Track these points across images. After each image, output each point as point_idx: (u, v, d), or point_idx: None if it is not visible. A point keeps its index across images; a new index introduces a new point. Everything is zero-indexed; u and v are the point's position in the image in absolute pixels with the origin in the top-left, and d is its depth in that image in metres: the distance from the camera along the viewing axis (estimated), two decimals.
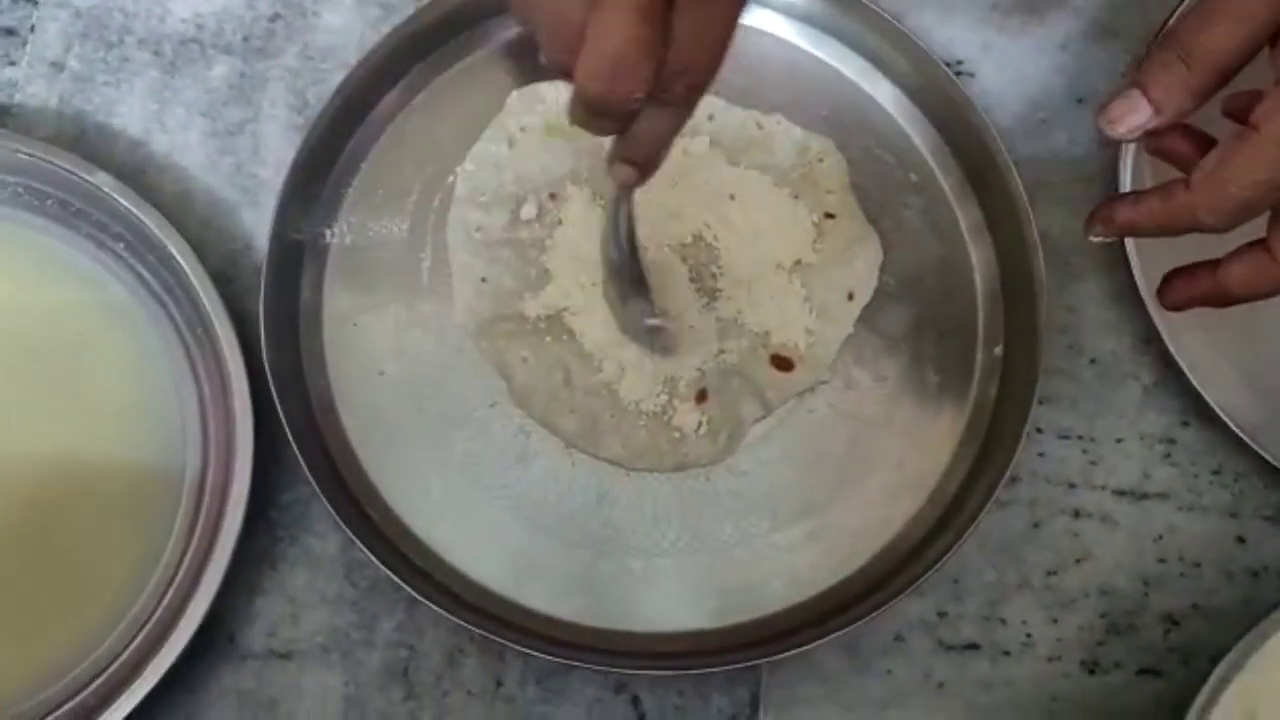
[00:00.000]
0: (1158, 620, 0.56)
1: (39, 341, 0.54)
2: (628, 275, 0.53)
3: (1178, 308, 0.50)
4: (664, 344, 0.55)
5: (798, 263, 0.57)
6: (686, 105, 0.40)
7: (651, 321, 0.54)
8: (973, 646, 0.55)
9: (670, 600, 0.54)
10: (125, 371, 0.54)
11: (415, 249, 0.57)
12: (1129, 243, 0.56)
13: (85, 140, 0.57)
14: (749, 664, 0.53)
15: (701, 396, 0.55)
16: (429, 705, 0.53)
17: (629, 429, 0.55)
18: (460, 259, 0.56)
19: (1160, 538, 0.57)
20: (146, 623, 0.51)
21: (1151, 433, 0.58)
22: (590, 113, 0.39)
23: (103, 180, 0.53)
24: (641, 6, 0.36)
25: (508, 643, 0.50)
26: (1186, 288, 0.49)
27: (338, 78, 0.56)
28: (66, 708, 0.50)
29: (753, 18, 0.60)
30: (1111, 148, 0.59)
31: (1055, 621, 0.56)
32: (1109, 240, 0.49)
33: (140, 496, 0.52)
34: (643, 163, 0.42)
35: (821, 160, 0.58)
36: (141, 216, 0.53)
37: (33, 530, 0.51)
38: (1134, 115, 0.46)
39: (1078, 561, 0.56)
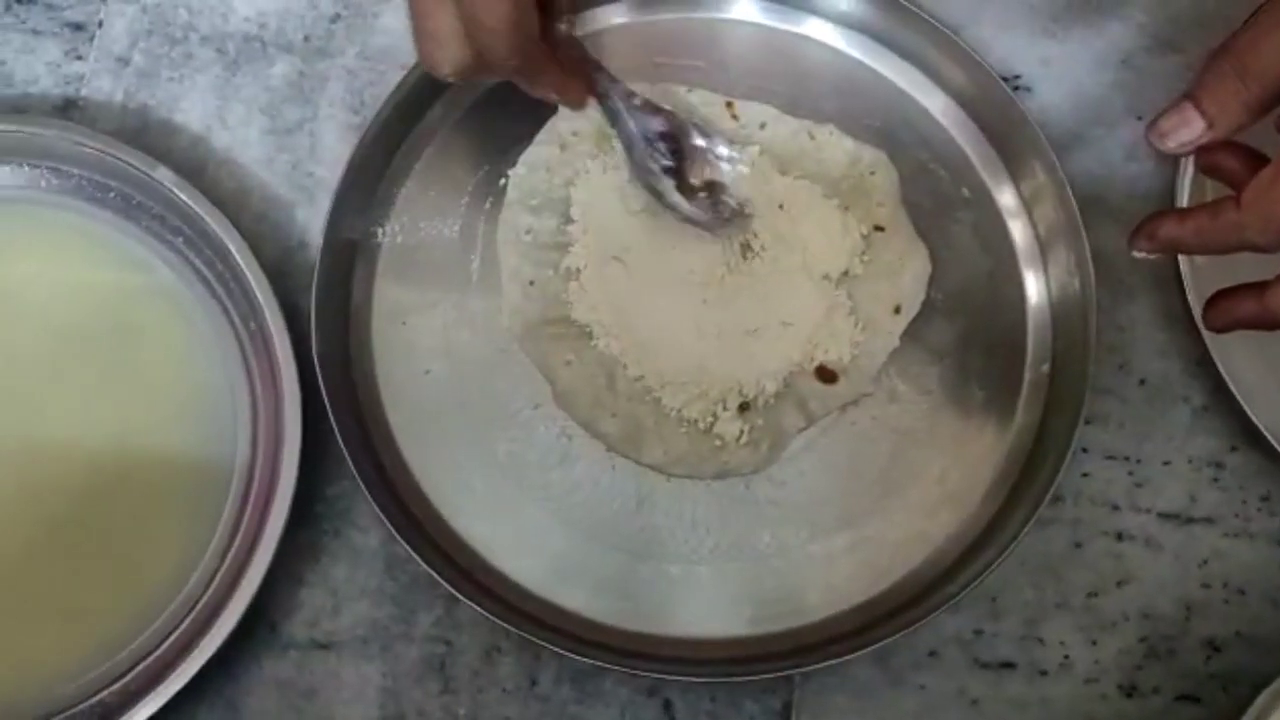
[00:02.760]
0: (1199, 646, 0.55)
1: (96, 329, 0.55)
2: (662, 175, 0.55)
3: (1221, 329, 0.49)
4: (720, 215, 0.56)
5: (845, 274, 0.57)
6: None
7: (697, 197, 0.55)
8: (1009, 665, 0.55)
9: (706, 606, 0.54)
10: (179, 361, 0.55)
11: (465, 250, 0.57)
12: (1182, 263, 0.56)
13: (148, 134, 0.58)
14: (783, 673, 0.53)
15: (744, 406, 0.55)
16: (464, 700, 0.53)
17: (670, 435, 0.55)
18: (509, 261, 0.57)
19: (1205, 563, 0.56)
20: (191, 610, 0.52)
21: (1200, 456, 0.57)
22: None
23: (163, 175, 0.54)
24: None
25: (544, 643, 0.51)
26: (1230, 310, 0.48)
27: (395, 79, 0.57)
28: (112, 689, 0.51)
29: (807, 27, 0.60)
30: (1169, 164, 0.59)
31: (1094, 643, 0.55)
32: (1152, 256, 0.49)
33: (189, 485, 0.53)
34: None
35: (873, 172, 0.58)
36: (200, 211, 0.54)
37: (83, 514, 0.53)
38: (1186, 129, 0.45)
39: (1119, 584, 0.56)
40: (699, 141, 0.56)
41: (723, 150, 0.56)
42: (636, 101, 0.55)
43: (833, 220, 0.57)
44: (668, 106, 0.56)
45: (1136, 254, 0.49)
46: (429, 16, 0.46)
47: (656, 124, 0.55)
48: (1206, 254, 0.47)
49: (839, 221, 0.57)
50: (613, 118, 0.55)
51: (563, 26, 0.50)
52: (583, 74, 0.54)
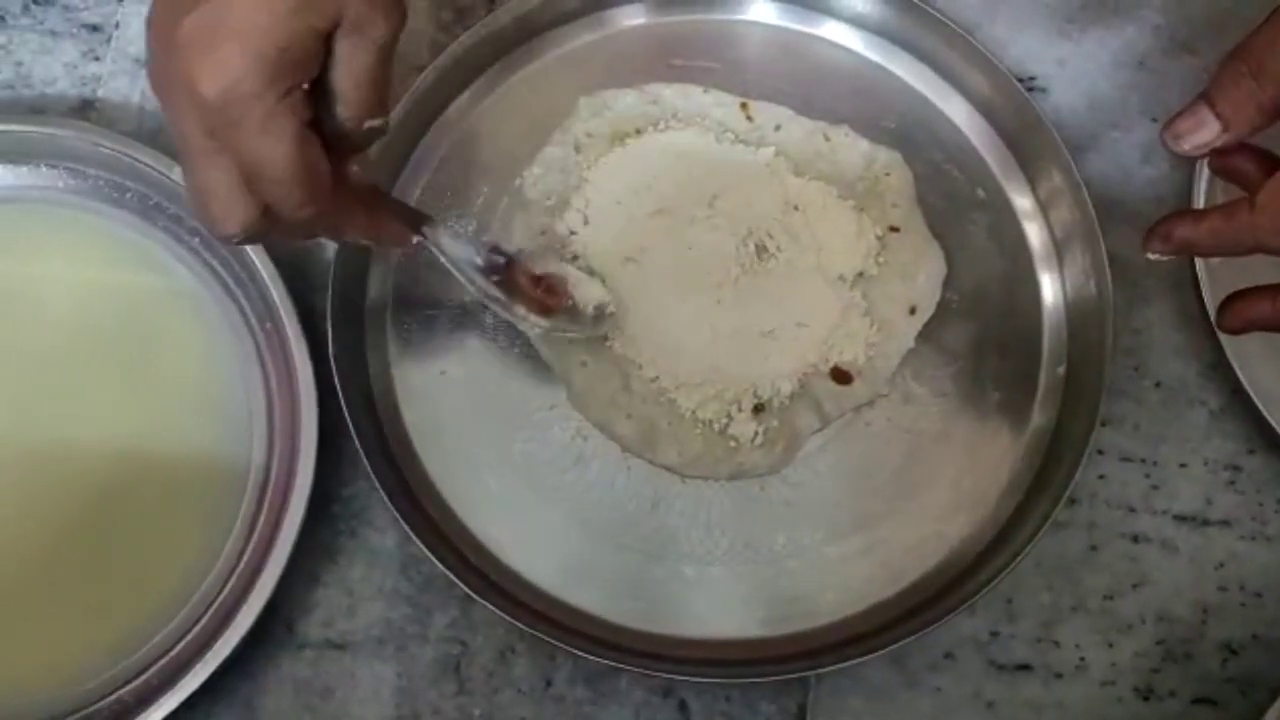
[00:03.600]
0: (1216, 649, 0.55)
1: (113, 329, 0.55)
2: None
3: (1235, 331, 0.49)
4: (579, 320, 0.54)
5: (860, 275, 0.57)
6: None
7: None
8: (1025, 667, 0.55)
9: (721, 607, 0.54)
10: (196, 361, 0.55)
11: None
12: (1199, 265, 0.56)
13: (165, 135, 0.58)
14: (798, 674, 0.53)
15: (759, 407, 0.55)
16: (479, 701, 0.53)
17: (685, 436, 0.55)
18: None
19: (1221, 565, 0.56)
20: (208, 609, 0.52)
21: (1216, 459, 0.57)
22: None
23: (180, 175, 0.54)
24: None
25: (559, 643, 0.51)
26: (1246, 311, 0.48)
27: (410, 80, 0.57)
28: (130, 687, 0.51)
29: (822, 28, 0.61)
30: (1185, 167, 0.59)
31: (1110, 646, 0.55)
32: (1167, 258, 0.49)
33: (206, 485, 0.54)
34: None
35: (888, 173, 0.58)
36: None
37: (101, 514, 0.53)
38: (1201, 131, 0.45)
39: (1135, 586, 0.56)
40: (535, 267, 0.54)
41: (558, 268, 0.54)
42: (462, 229, 0.54)
43: (848, 221, 0.57)
44: (496, 244, 0.53)
45: (1151, 256, 0.49)
46: (199, 173, 0.40)
47: (484, 254, 0.52)
48: (1221, 256, 0.47)
49: (854, 223, 0.57)
50: (439, 251, 0.50)
51: (354, 169, 0.44)
52: (398, 212, 0.49)
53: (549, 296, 0.54)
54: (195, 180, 0.40)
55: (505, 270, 0.52)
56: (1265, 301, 0.48)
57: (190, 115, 0.39)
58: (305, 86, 0.39)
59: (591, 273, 0.56)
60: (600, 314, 0.55)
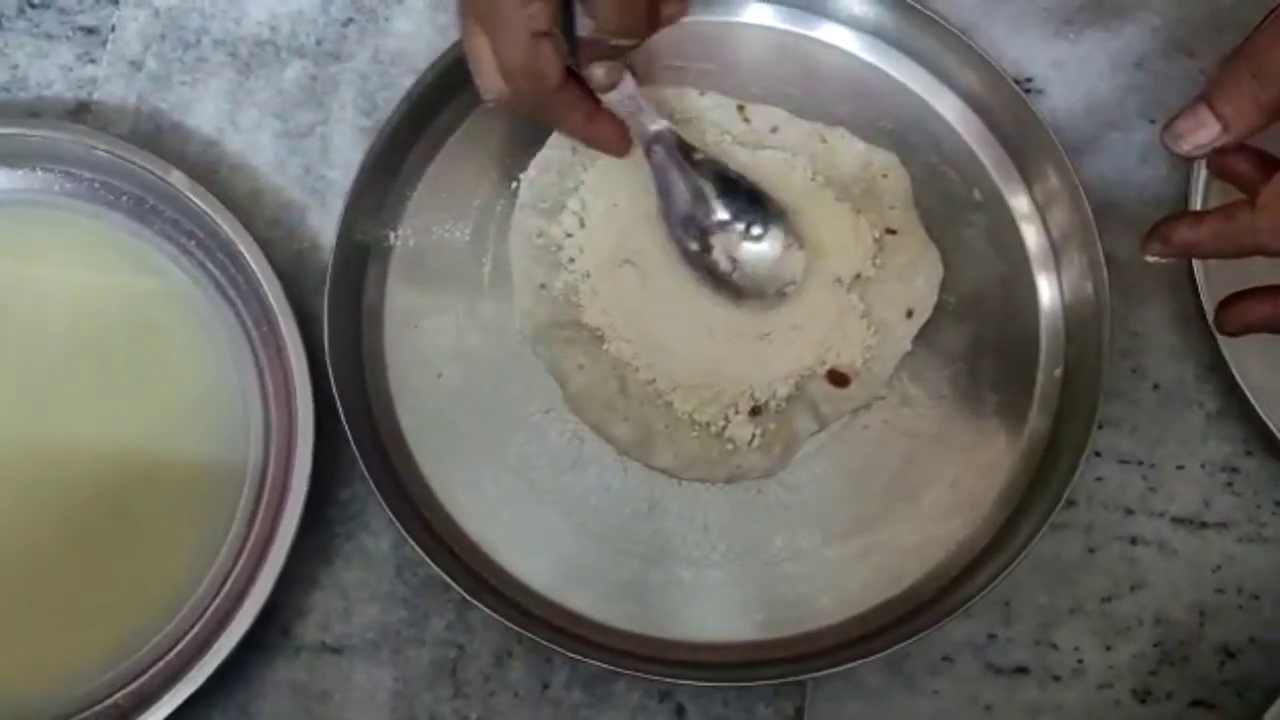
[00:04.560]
0: (1213, 652, 0.55)
1: (109, 333, 0.55)
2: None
3: (1233, 333, 0.49)
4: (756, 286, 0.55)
5: (857, 277, 0.57)
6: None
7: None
8: (1022, 670, 0.55)
9: (718, 611, 0.54)
10: (192, 365, 0.55)
11: (477, 253, 0.57)
12: (1197, 267, 0.56)
13: (160, 138, 0.59)
14: (795, 678, 0.53)
15: (756, 410, 0.55)
16: (476, 704, 0.53)
17: (682, 439, 0.55)
18: (521, 264, 0.57)
19: (1219, 568, 0.56)
20: (204, 613, 0.52)
21: (1213, 461, 0.57)
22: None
23: (176, 178, 0.54)
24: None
25: (555, 647, 0.51)
26: (1244, 313, 0.48)
27: (407, 83, 0.57)
28: (127, 691, 0.51)
29: (819, 31, 0.60)
30: (1183, 169, 0.59)
31: (1108, 648, 0.55)
32: (1165, 260, 0.49)
33: (202, 488, 0.54)
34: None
35: (885, 175, 0.58)
36: (212, 214, 0.54)
37: (96, 517, 0.53)
38: (1202, 131, 0.45)
39: (1133, 589, 0.56)
40: (722, 216, 0.54)
41: (760, 228, 0.54)
42: (697, 157, 0.54)
43: (844, 224, 0.57)
44: (731, 168, 0.54)
45: (1149, 258, 0.49)
46: (469, 43, 0.47)
47: (694, 188, 0.53)
48: (1221, 258, 0.47)
49: (851, 225, 0.57)
50: (658, 171, 0.53)
51: (599, 71, 0.49)
52: (633, 121, 0.53)
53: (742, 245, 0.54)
54: (466, 52, 0.48)
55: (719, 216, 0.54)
56: (1263, 303, 0.48)
57: (462, 1, 0.47)
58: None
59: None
60: (778, 291, 0.55)
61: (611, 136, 0.53)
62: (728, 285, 0.55)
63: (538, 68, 0.47)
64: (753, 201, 0.54)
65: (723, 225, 0.54)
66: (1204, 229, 0.47)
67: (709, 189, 0.54)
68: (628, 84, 0.51)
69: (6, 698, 0.51)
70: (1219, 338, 0.54)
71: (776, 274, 0.55)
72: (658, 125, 0.53)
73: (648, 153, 0.54)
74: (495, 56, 0.46)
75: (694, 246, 0.54)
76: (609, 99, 0.51)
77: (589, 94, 0.51)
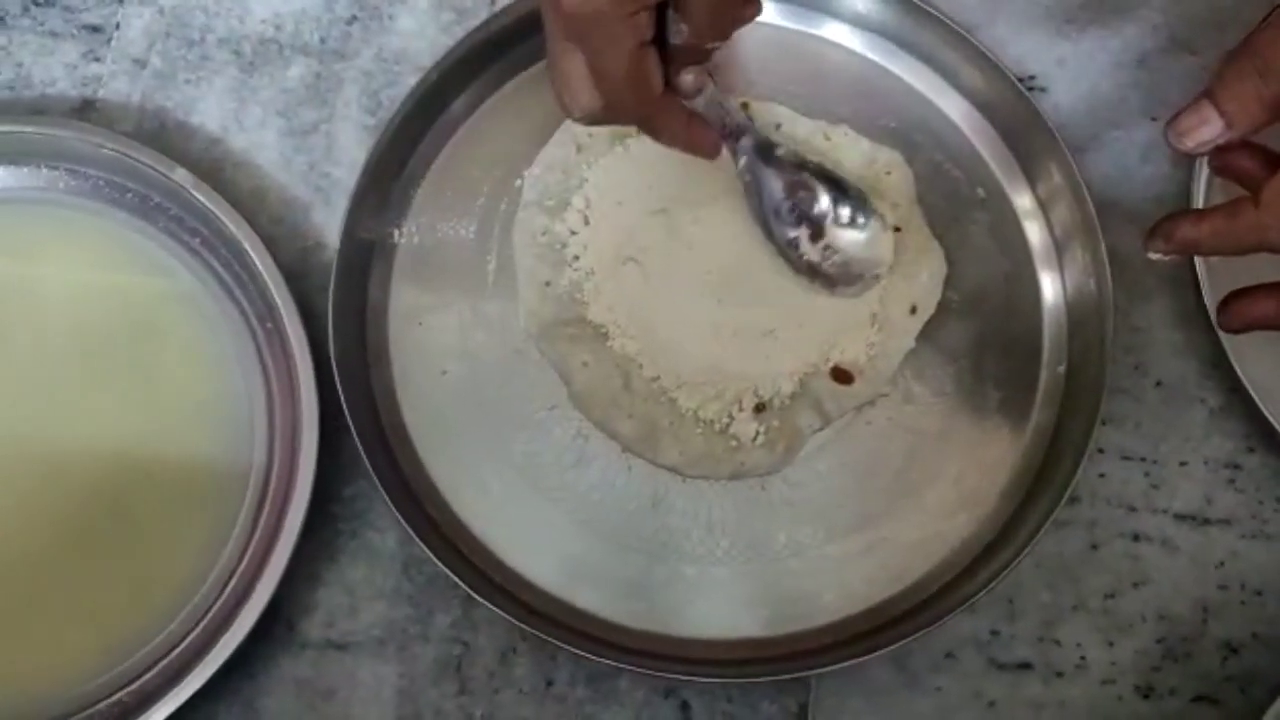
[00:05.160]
0: (1216, 648, 0.55)
1: (114, 330, 0.55)
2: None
3: (1236, 330, 0.49)
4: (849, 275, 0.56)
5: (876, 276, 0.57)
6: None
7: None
8: (1025, 666, 0.55)
9: (722, 608, 0.54)
10: (196, 362, 0.55)
11: (481, 251, 0.57)
12: (1199, 264, 0.56)
13: (165, 136, 0.59)
14: (799, 674, 0.53)
15: (760, 407, 0.55)
16: (480, 701, 0.53)
17: (687, 436, 0.55)
18: (525, 262, 0.57)
19: (1222, 564, 0.56)
20: (210, 609, 0.52)
21: (1216, 457, 0.57)
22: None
23: (181, 176, 0.54)
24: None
25: (560, 643, 0.51)
26: (1246, 310, 0.48)
27: (411, 80, 0.58)
28: (131, 688, 0.51)
29: (823, 29, 0.61)
30: (1185, 166, 0.59)
31: (1111, 645, 0.55)
32: (1168, 258, 0.49)
33: (207, 485, 0.54)
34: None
35: (888, 173, 0.58)
36: (217, 212, 0.54)
37: (101, 514, 0.53)
38: (1205, 128, 0.45)
39: (1136, 585, 0.56)
40: (826, 203, 0.55)
41: (848, 211, 0.55)
42: (779, 153, 0.54)
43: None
44: (812, 160, 0.55)
45: (1152, 255, 0.49)
46: (561, 62, 0.47)
47: (789, 178, 0.54)
48: (1224, 255, 0.47)
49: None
50: (745, 168, 0.54)
51: (689, 78, 0.49)
52: (716, 123, 0.53)
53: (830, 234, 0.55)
54: (555, 71, 0.47)
55: (798, 206, 0.55)
56: (1266, 300, 0.48)
57: (556, 21, 0.45)
58: (651, 6, 0.45)
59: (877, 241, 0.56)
60: (868, 275, 0.56)
61: (707, 140, 0.53)
62: (821, 275, 0.55)
63: (644, 77, 0.47)
64: (842, 189, 0.55)
65: (821, 215, 0.55)
66: (1207, 226, 0.47)
67: (801, 180, 0.55)
68: (710, 87, 0.51)
69: (11, 694, 0.51)
70: (1221, 335, 0.54)
71: (871, 257, 0.56)
72: (742, 124, 0.54)
73: (734, 152, 0.54)
74: (594, 70, 0.46)
75: (790, 238, 0.55)
76: (696, 103, 0.51)
77: (681, 97, 0.51)
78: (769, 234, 0.55)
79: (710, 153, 0.53)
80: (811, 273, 0.55)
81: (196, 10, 0.60)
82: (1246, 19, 0.56)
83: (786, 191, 0.54)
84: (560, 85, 0.47)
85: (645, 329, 0.56)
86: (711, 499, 0.55)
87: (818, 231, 0.55)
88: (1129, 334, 0.58)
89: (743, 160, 0.54)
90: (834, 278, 0.56)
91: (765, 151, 0.54)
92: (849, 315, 0.56)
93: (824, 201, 0.55)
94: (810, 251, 0.55)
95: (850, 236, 0.55)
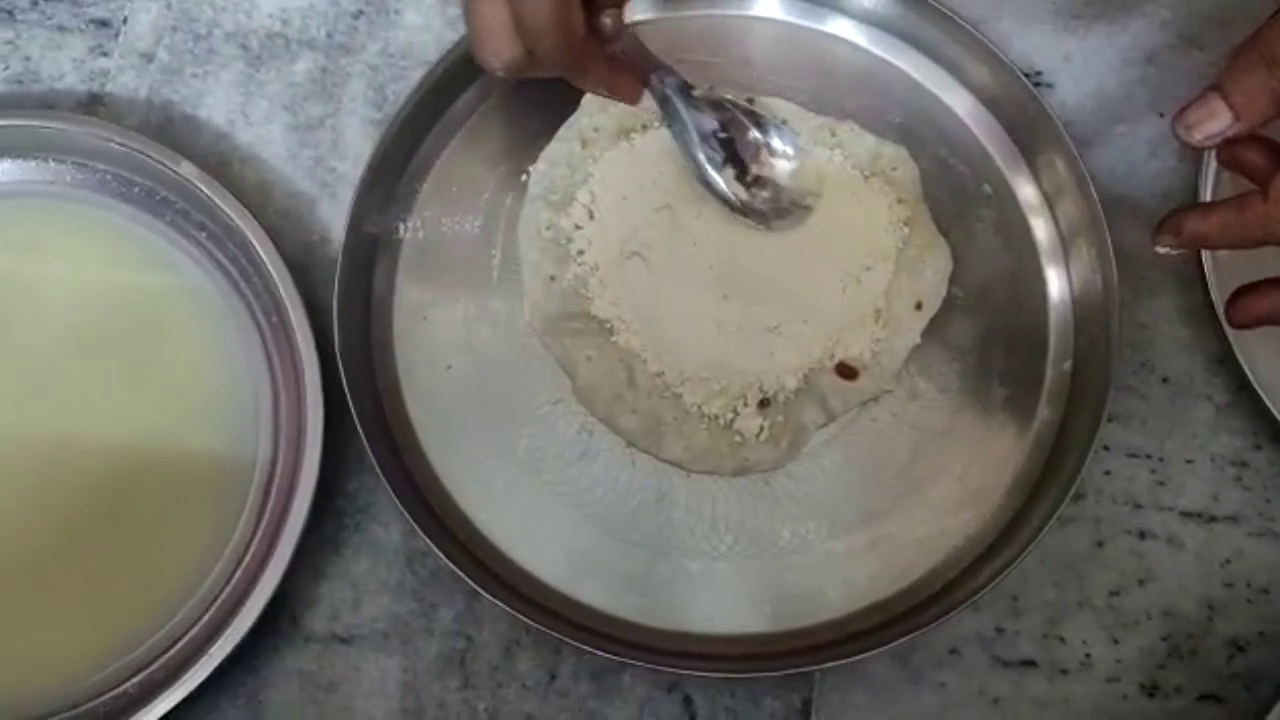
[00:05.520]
0: (1222, 645, 0.55)
1: (120, 324, 0.55)
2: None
3: (1244, 326, 0.49)
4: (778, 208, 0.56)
5: (868, 269, 0.57)
6: None
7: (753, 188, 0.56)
8: (1030, 663, 0.55)
9: (726, 603, 0.54)
10: (202, 355, 0.55)
11: (486, 246, 0.57)
12: (1206, 260, 0.55)
13: (172, 130, 0.59)
14: (802, 670, 0.53)
15: (764, 402, 0.55)
16: (484, 695, 0.53)
17: (691, 431, 0.55)
18: (530, 257, 0.57)
19: (1228, 562, 0.56)
20: (214, 602, 0.52)
21: (1223, 454, 0.57)
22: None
23: (188, 170, 0.55)
24: None
25: (563, 638, 0.51)
26: (1253, 305, 0.48)
27: (417, 75, 0.58)
28: (136, 680, 0.51)
29: (829, 24, 0.60)
30: (1191, 162, 0.59)
31: (1116, 642, 0.55)
32: (1176, 252, 0.49)
33: (212, 478, 0.54)
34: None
35: (894, 168, 0.58)
36: (223, 206, 0.54)
37: (106, 508, 0.53)
38: (1213, 121, 0.45)
39: (1141, 583, 0.56)
40: (753, 135, 0.56)
41: (776, 143, 0.56)
42: (695, 93, 0.55)
43: (879, 201, 0.57)
44: (728, 97, 0.56)
45: (1160, 249, 0.49)
46: (481, 11, 0.46)
47: (710, 118, 0.55)
48: (1231, 249, 0.47)
49: (886, 203, 0.57)
50: (666, 111, 0.54)
51: (608, 21, 0.49)
52: (635, 67, 0.53)
53: (758, 173, 0.56)
54: (474, 22, 0.47)
55: (728, 148, 0.55)
56: (1274, 296, 0.48)
57: None
58: None
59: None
60: (798, 206, 0.56)
61: (630, 84, 0.53)
62: (755, 213, 0.56)
63: (567, 21, 0.46)
64: (759, 121, 0.56)
65: (745, 149, 0.55)
66: (1215, 220, 0.47)
67: (724, 117, 0.55)
68: (629, 30, 0.51)
69: (17, 686, 0.51)
70: (1229, 331, 0.54)
71: (799, 187, 0.56)
72: (661, 66, 0.54)
73: (657, 96, 0.54)
74: (516, 18, 0.46)
75: (715, 179, 0.55)
76: (615, 48, 0.52)
77: (603, 42, 0.51)
78: (700, 177, 0.55)
79: (632, 97, 0.53)
80: (745, 211, 0.55)
81: (204, 4, 0.60)
82: (1254, 14, 0.56)
83: (711, 130, 0.54)
84: (480, 36, 0.47)
85: (650, 324, 0.56)
86: (715, 494, 0.55)
87: (744, 168, 0.55)
88: (1135, 330, 0.58)
89: (667, 105, 0.54)
90: (766, 213, 0.56)
91: (686, 92, 0.54)
92: (854, 311, 0.56)
93: (747, 135, 0.55)
94: (739, 190, 0.55)
95: (778, 168, 0.55)
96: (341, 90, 0.60)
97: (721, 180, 0.55)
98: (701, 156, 0.55)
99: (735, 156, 0.55)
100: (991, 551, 0.54)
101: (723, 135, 0.55)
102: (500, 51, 0.47)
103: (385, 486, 0.52)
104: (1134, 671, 0.55)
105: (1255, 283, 0.49)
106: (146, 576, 0.53)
